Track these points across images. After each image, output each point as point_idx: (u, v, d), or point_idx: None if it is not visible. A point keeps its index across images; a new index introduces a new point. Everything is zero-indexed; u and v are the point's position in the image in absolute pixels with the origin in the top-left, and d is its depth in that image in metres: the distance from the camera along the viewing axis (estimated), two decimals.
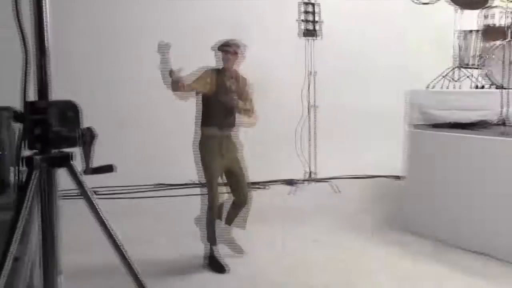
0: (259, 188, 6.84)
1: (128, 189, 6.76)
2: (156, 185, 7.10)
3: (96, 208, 1.58)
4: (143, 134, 7.49)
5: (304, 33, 6.86)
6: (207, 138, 3.97)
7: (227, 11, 7.63)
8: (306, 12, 6.81)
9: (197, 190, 6.61)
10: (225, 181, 4.16)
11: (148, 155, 7.35)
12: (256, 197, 6.32)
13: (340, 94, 7.90)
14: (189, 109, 6.79)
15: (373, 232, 5.03)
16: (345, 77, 8.04)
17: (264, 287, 3.76)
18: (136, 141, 7.42)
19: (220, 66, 4.06)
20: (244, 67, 7.13)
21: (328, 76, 7.51)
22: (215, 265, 3.96)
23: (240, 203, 4.14)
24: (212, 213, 3.95)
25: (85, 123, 1.61)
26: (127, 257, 1.62)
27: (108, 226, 1.59)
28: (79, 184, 1.54)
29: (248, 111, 4.10)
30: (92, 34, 7.19)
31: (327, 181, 7.08)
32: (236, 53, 4.04)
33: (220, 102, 3.94)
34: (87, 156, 1.58)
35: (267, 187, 6.90)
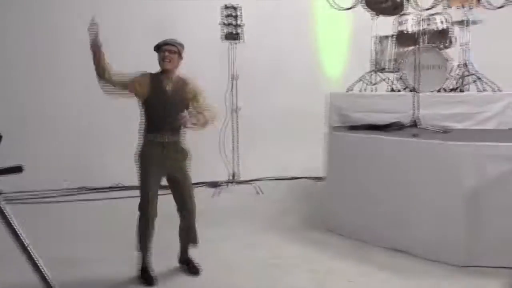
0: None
1: (50, 193, 6.57)
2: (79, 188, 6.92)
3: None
4: (67, 136, 7.28)
5: (226, 36, 6.85)
6: (146, 145, 3.72)
7: (151, 10, 7.55)
8: (228, 16, 6.81)
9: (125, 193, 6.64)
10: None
11: (71, 158, 7.15)
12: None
13: (263, 96, 7.96)
14: (120, 111, 6.63)
15: (294, 229, 5.17)
16: (267, 80, 8.12)
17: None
18: (59, 143, 7.19)
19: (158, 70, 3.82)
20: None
21: (250, 79, 7.56)
22: (145, 276, 3.78)
23: (183, 215, 3.88)
24: (144, 221, 3.74)
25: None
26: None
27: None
28: None
29: (206, 123, 3.81)
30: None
31: (250, 183, 7.13)
32: (180, 54, 3.79)
33: (159, 106, 3.68)
34: None
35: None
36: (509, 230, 4.03)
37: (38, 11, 7.20)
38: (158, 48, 3.75)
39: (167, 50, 3.73)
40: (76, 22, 7.13)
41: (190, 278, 3.87)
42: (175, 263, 4.08)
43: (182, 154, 3.83)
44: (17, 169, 1.57)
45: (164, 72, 3.76)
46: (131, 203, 6.10)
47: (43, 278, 1.51)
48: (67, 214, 5.82)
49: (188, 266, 3.97)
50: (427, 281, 3.81)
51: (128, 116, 7.32)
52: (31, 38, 7.17)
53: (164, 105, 3.69)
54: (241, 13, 6.91)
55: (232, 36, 6.86)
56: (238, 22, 6.87)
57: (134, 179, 6.79)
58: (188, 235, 3.94)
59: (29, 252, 1.50)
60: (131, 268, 3.91)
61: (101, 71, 3.57)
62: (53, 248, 4.48)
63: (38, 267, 1.51)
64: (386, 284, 3.76)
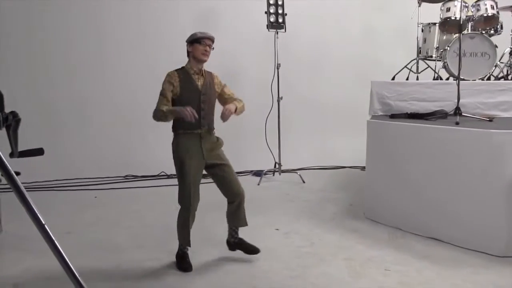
0: None
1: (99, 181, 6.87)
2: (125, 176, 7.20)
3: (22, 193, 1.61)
4: (112, 126, 7.56)
5: (271, 25, 6.89)
6: (182, 139, 3.75)
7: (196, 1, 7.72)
8: (272, 5, 6.85)
9: (168, 181, 6.88)
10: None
11: (117, 148, 7.43)
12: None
13: (305, 86, 8.02)
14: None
15: (334, 218, 5.19)
16: (310, 69, 8.15)
17: (224, 270, 3.85)
18: (106, 134, 7.49)
19: (181, 65, 3.85)
20: (215, 58, 7.29)
21: (292, 68, 7.61)
22: (182, 263, 3.85)
23: (233, 200, 3.91)
24: (186, 214, 3.76)
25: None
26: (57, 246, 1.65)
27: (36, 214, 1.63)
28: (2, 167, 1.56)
29: (241, 112, 3.91)
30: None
31: (294, 172, 7.21)
32: (211, 48, 3.80)
33: (193, 102, 3.69)
34: (14, 139, 1.64)
35: None
36: None
37: None
38: (197, 40, 3.74)
39: (208, 44, 3.76)
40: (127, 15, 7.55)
41: (222, 265, 3.95)
42: (212, 251, 4.20)
43: (217, 143, 3.89)
44: (39, 152, 1.69)
45: (193, 66, 3.80)
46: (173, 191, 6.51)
47: (61, 260, 1.63)
48: (113, 201, 6.04)
49: (245, 247, 4.02)
50: (463, 270, 3.78)
51: None
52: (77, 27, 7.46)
53: (198, 100, 3.74)
54: (282, 2, 6.92)
55: (277, 25, 6.89)
56: (280, 11, 6.88)
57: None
58: (239, 218, 3.97)
59: (46, 232, 1.61)
60: (169, 255, 4.04)
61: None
62: (96, 233, 4.78)
63: (56, 247, 1.62)
64: (422, 273, 3.75)
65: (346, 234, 4.72)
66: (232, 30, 7.46)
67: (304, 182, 6.90)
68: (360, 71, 7.87)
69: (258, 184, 6.76)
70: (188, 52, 3.82)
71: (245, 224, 4.02)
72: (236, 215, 3.97)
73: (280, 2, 6.89)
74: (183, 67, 3.83)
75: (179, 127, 3.76)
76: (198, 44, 3.74)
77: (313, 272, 3.78)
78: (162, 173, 7.22)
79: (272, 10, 6.85)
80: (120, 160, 7.34)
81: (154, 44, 7.63)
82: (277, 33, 6.87)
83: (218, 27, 7.74)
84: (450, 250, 4.22)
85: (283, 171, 7.23)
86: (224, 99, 3.94)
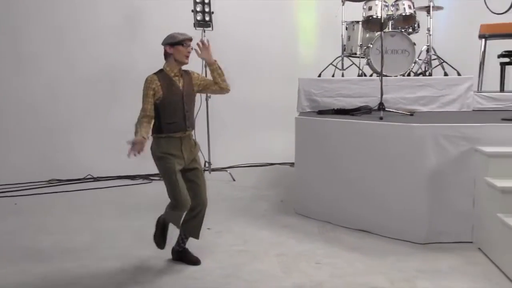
0: (154, 179, 6.98)
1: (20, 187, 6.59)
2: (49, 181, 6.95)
3: None
4: (35, 129, 7.28)
5: (198, 23, 6.85)
6: (164, 143, 3.63)
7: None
8: (199, 3, 6.81)
9: (96, 184, 6.72)
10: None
11: (40, 151, 7.16)
12: (154, 188, 6.47)
13: (234, 84, 7.99)
14: (87, 103, 6.63)
15: (265, 215, 5.26)
16: (239, 67, 8.16)
17: (155, 270, 3.81)
18: (28, 136, 7.20)
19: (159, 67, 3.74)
20: (142, 57, 7.18)
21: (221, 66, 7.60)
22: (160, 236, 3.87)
23: (196, 207, 3.80)
24: (179, 216, 3.73)
25: None
26: None
27: None
28: None
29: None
30: None
31: (224, 170, 7.22)
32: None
33: (177, 104, 3.65)
34: None
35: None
36: (466, 207, 4.20)
37: None
38: (179, 42, 3.61)
39: (188, 45, 3.67)
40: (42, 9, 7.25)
41: (155, 266, 3.91)
42: (144, 252, 4.15)
43: (195, 146, 3.86)
44: None
45: (173, 68, 3.68)
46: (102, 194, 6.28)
47: None
48: (37, 206, 5.81)
49: (188, 258, 3.94)
50: (389, 259, 3.93)
51: (95, 108, 7.47)
52: None
53: (182, 102, 3.67)
54: (209, 0, 6.90)
55: (204, 23, 6.85)
56: (207, 9, 6.85)
57: (103, 170, 6.95)
58: (194, 227, 3.89)
59: None
60: (98, 261, 3.96)
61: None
62: (22, 239, 4.58)
63: None
64: (352, 264, 3.86)
65: (277, 230, 4.78)
66: (158, 28, 7.30)
67: (234, 180, 6.92)
68: (287, 69, 7.98)
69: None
70: (167, 54, 3.67)
71: (197, 236, 3.93)
72: (192, 224, 3.87)
73: (206, 1, 6.86)
74: (161, 70, 3.70)
75: (164, 130, 3.64)
76: (181, 46, 3.63)
77: (246, 269, 3.79)
78: (89, 176, 7.05)
79: (198, 8, 6.81)
80: (43, 164, 7.08)
81: (74, 44, 7.43)
82: (204, 31, 6.83)
83: (143, 25, 7.64)
84: (377, 241, 4.38)
85: (213, 170, 7.23)
86: (208, 82, 3.95)
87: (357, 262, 3.92)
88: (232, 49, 7.99)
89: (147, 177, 7.08)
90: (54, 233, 4.76)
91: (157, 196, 5.93)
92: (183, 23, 6.97)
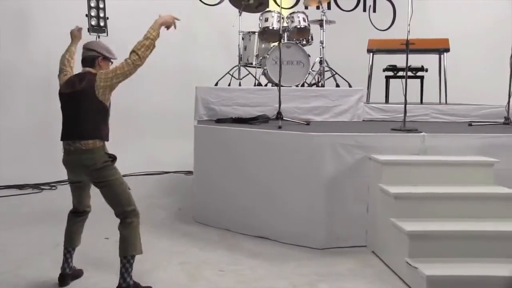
0: (44, 189, 6.63)
1: None
2: None
3: None
4: None
5: (92, 28, 6.60)
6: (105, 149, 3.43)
7: None
8: (93, 7, 6.58)
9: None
10: None
11: None
12: (44, 198, 6.12)
13: (127, 92, 7.80)
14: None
15: (164, 224, 5.18)
16: (136, 74, 7.99)
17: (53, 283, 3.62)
18: None
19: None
20: (31, 62, 6.76)
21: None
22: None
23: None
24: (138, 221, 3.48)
25: None
26: None
27: None
28: None
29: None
30: None
31: None
32: None
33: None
34: None
35: (53, 188, 6.66)
36: (361, 212, 4.43)
37: None
38: (110, 59, 3.53)
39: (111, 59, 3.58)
40: None
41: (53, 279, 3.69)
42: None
43: None
44: None
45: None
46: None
47: None
48: None
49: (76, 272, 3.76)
50: (290, 264, 4.04)
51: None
52: None
53: None
54: (104, 5, 6.69)
55: (98, 28, 6.63)
56: (101, 14, 6.64)
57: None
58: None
59: None
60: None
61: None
62: None
63: None
64: (255, 271, 3.91)
65: (178, 238, 4.73)
66: (49, 32, 6.96)
67: (129, 189, 6.70)
68: (184, 78, 7.91)
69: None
70: (96, 62, 3.43)
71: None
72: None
73: (101, 6, 6.64)
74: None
75: (106, 135, 3.43)
76: (109, 62, 3.53)
77: (149, 279, 3.69)
78: None
79: (93, 13, 6.58)
80: None
81: None
82: (99, 36, 6.60)
83: (32, 29, 7.20)
84: (278, 247, 4.47)
85: None
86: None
87: (260, 268, 3.98)
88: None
89: (37, 187, 6.68)
90: None
91: (48, 206, 5.68)
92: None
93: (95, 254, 4.16)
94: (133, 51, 3.38)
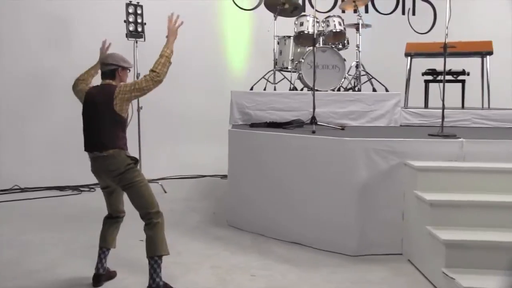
0: (84, 191, 6.78)
1: None
2: None
3: None
4: None
5: (130, 34, 6.69)
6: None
7: (50, 6, 7.26)
8: (131, 13, 6.67)
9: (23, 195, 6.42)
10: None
11: None
12: (83, 199, 6.25)
13: (165, 95, 7.90)
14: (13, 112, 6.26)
15: (198, 227, 5.20)
16: (171, 78, 7.99)
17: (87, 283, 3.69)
18: None
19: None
20: (70, 68, 6.92)
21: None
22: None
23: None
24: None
25: None
26: None
27: None
28: None
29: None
30: None
31: (155, 182, 7.06)
32: None
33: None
34: None
35: (92, 190, 6.79)
36: (395, 220, 4.32)
37: None
38: (127, 68, 3.65)
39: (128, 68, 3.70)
40: None
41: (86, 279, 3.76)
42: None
43: None
44: None
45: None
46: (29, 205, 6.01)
47: None
48: None
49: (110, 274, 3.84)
50: (322, 271, 3.98)
51: (21, 117, 7.12)
52: None
53: None
54: (141, 11, 6.77)
55: (136, 34, 6.72)
56: (139, 20, 6.72)
57: (31, 181, 6.65)
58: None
59: None
60: (25, 272, 3.79)
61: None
62: None
63: None
64: (286, 276, 3.87)
65: (211, 242, 4.73)
66: (88, 37, 7.12)
67: (166, 192, 6.79)
68: (219, 82, 7.97)
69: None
70: (116, 74, 3.57)
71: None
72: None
73: (139, 12, 6.73)
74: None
75: (124, 145, 3.53)
76: (127, 71, 3.66)
77: (180, 281, 3.72)
78: (15, 187, 6.74)
79: (131, 19, 6.67)
80: None
81: None
82: (137, 42, 6.70)
83: (73, 34, 7.39)
84: (310, 253, 4.41)
85: None
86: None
87: (290, 274, 3.94)
88: None
89: (76, 188, 6.85)
90: None
91: (87, 208, 5.78)
92: (115, 33, 6.82)
93: (130, 255, 4.21)
94: (151, 70, 3.49)
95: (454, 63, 6.53)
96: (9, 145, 7.09)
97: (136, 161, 3.54)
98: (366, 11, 8.59)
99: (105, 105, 3.42)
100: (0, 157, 6.91)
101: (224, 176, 6.98)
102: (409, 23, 8.39)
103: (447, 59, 4.86)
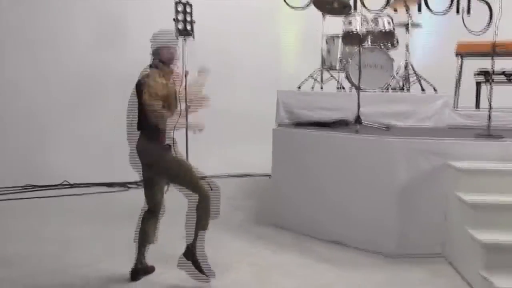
0: (131, 187, 6.97)
1: None
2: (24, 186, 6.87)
3: None
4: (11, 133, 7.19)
5: (179, 32, 6.85)
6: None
7: (101, 6, 7.54)
8: (180, 12, 6.82)
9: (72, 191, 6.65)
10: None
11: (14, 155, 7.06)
12: (131, 196, 6.43)
13: (213, 94, 8.06)
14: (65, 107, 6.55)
15: (241, 226, 5.29)
16: (218, 77, 8.17)
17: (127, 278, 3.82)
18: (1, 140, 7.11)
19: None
20: (121, 65, 7.17)
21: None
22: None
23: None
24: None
25: None
26: None
27: None
28: None
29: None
30: None
31: (203, 179, 7.18)
32: None
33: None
34: None
35: (140, 186, 6.92)
36: (437, 221, 4.26)
37: None
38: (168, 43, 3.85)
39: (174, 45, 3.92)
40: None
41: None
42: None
43: None
44: None
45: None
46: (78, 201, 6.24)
47: None
48: (9, 212, 5.74)
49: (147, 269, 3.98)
50: (361, 270, 3.99)
51: (72, 114, 7.42)
52: None
53: None
54: (191, 10, 6.89)
55: (185, 32, 6.86)
56: (188, 18, 6.85)
57: (80, 177, 6.88)
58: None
59: None
60: (67, 266, 3.96)
61: None
62: None
63: None
64: (324, 276, 3.90)
65: (252, 240, 4.80)
66: (138, 36, 7.33)
67: (212, 189, 6.89)
68: (266, 80, 7.99)
69: (165, 193, 6.67)
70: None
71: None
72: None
73: (188, 10, 6.86)
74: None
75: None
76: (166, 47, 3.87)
77: (219, 278, 3.79)
78: (65, 182, 6.99)
79: (180, 17, 6.81)
80: (18, 169, 6.95)
81: (49, 50, 7.36)
82: (185, 40, 6.84)
83: (124, 34, 7.63)
84: (350, 253, 4.42)
85: None
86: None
87: (330, 273, 3.97)
88: (212, 59, 8.00)
89: (124, 185, 7.03)
90: (24, 240, 4.70)
91: (133, 204, 5.94)
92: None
93: (170, 251, 4.27)
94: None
95: (509, 64, 6.32)
96: (59, 140, 7.32)
97: (169, 146, 3.82)
98: (419, 10, 8.41)
99: None
100: (50, 153, 7.18)
101: (270, 175, 7.04)
102: (464, 23, 8.13)
103: (502, 60, 4.71)
